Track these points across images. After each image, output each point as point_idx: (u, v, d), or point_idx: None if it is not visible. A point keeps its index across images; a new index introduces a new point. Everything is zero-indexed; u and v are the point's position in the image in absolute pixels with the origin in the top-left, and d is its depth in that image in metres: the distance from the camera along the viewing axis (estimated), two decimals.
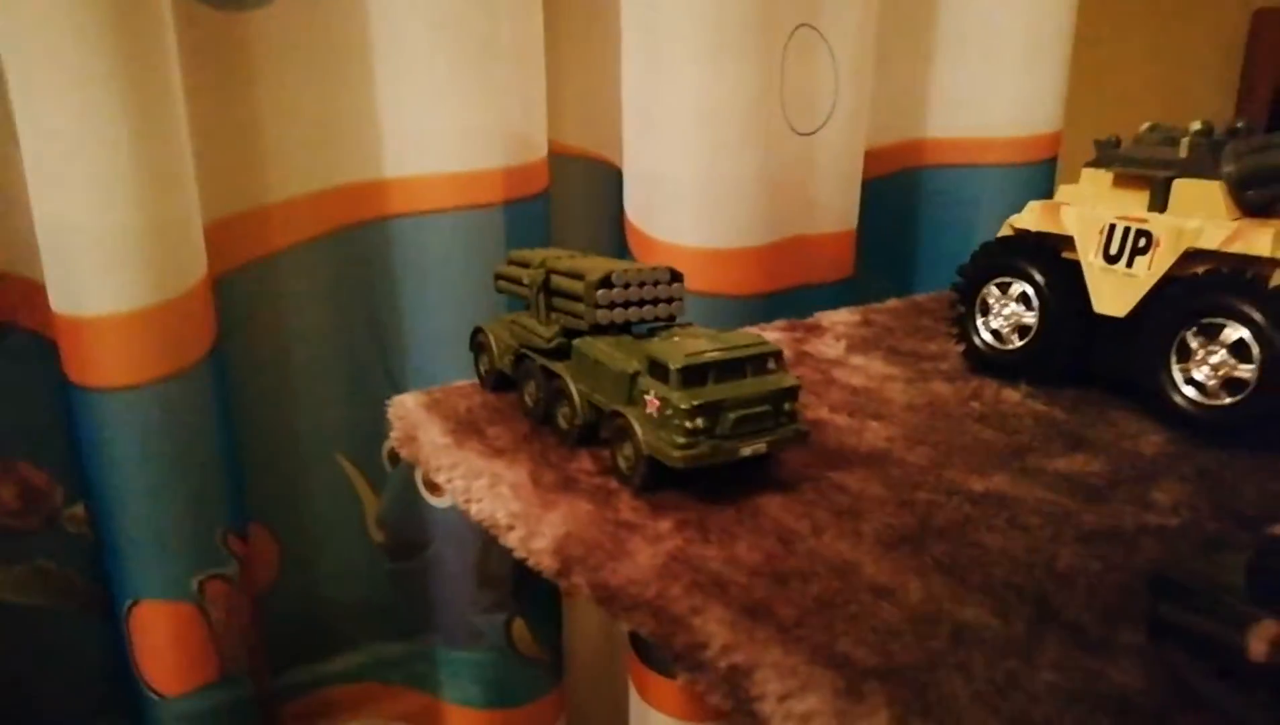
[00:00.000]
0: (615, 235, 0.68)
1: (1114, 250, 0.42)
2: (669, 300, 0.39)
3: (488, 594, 0.66)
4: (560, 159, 0.64)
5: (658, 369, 0.34)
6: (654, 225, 0.62)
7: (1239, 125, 0.42)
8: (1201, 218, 0.40)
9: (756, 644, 0.26)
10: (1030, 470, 0.37)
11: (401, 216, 0.59)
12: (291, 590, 0.63)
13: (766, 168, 0.61)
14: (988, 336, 0.48)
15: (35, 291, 0.50)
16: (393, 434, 0.44)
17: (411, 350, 0.62)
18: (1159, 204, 0.42)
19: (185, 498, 0.52)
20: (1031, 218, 0.46)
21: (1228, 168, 0.40)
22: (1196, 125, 0.42)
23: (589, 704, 0.78)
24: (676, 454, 0.33)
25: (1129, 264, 0.42)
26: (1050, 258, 0.45)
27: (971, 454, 0.38)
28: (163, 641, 0.54)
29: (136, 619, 0.54)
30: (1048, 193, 0.70)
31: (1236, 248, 0.38)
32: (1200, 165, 0.41)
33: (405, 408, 0.44)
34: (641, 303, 0.39)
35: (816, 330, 0.56)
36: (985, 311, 0.48)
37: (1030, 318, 0.46)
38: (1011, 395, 0.45)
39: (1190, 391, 0.40)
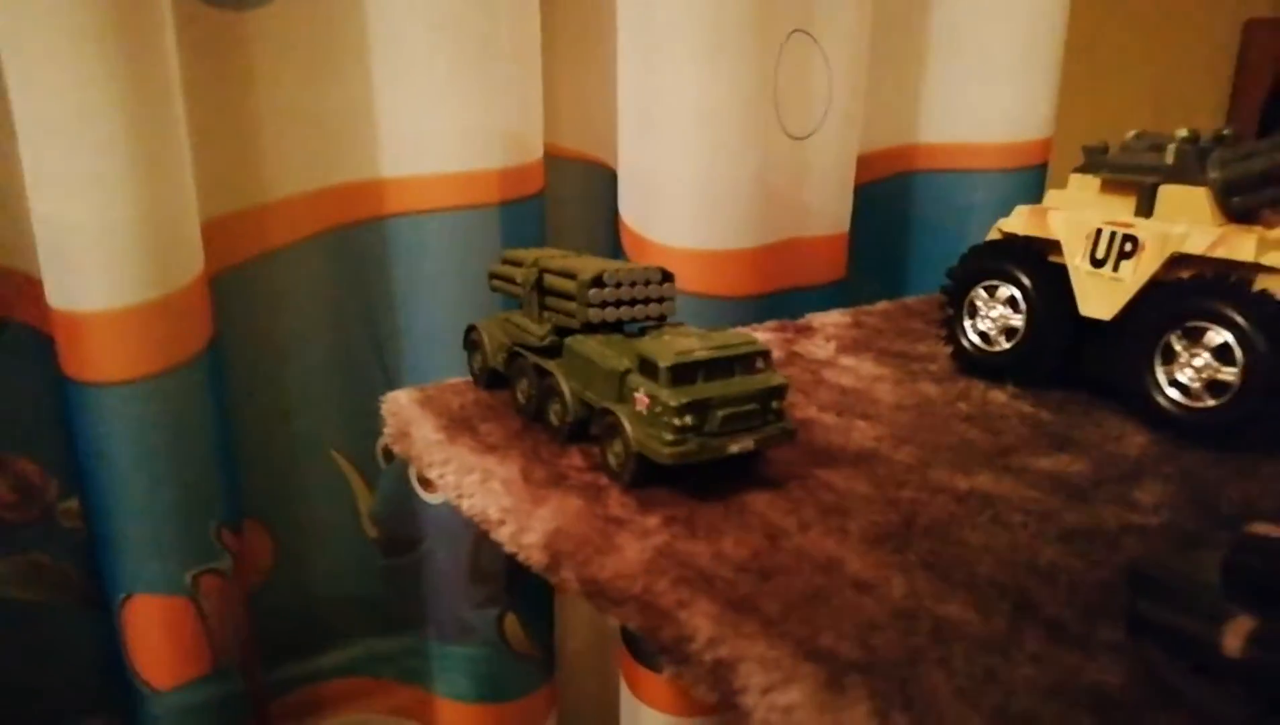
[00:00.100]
0: (610, 236, 0.68)
1: (1100, 254, 0.43)
2: (660, 300, 0.40)
3: (480, 589, 0.67)
4: (556, 161, 0.64)
5: (648, 367, 0.35)
6: (648, 227, 0.63)
7: (1225, 132, 0.42)
8: (1187, 223, 0.41)
9: (741, 638, 0.26)
10: (1015, 469, 0.37)
11: (398, 216, 0.59)
12: (285, 585, 0.63)
13: (761, 171, 0.61)
14: (975, 338, 0.48)
15: (32, 286, 0.50)
16: (386, 430, 0.44)
17: (406, 348, 0.62)
18: (1145, 209, 0.43)
19: (180, 492, 0.53)
20: (1019, 222, 0.47)
21: (1213, 174, 0.40)
22: (1183, 132, 0.42)
23: (580, 699, 0.78)
24: (665, 451, 0.33)
25: (1115, 268, 0.42)
26: (1037, 261, 0.46)
27: (957, 453, 0.39)
28: (156, 635, 0.54)
29: (130, 612, 0.54)
30: (1038, 198, 0.70)
31: (1221, 253, 0.39)
32: (1186, 172, 0.41)
33: (399, 404, 0.44)
34: (633, 302, 0.39)
35: (807, 331, 0.56)
36: (973, 314, 0.48)
37: (1017, 320, 0.46)
38: (998, 396, 0.46)
39: (1174, 393, 0.40)
